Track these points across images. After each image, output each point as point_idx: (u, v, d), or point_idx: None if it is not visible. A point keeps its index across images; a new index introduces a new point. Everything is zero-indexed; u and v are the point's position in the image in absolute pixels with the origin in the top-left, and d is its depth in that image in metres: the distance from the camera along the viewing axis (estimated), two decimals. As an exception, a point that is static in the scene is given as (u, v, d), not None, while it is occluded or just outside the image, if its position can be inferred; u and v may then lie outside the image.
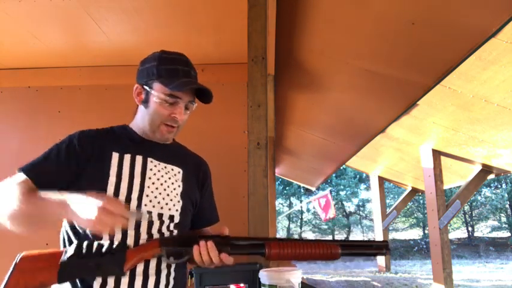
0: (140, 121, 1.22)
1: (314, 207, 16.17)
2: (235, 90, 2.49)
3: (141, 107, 1.21)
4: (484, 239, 16.98)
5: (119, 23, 2.22)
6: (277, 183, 16.90)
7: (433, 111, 4.48)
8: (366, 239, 18.46)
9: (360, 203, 19.52)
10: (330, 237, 18.53)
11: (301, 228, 19.69)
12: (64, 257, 0.97)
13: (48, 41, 2.37)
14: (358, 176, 18.58)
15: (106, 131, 1.21)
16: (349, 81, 3.97)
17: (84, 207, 0.94)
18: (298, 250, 1.04)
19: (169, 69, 1.16)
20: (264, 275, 1.11)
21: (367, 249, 1.09)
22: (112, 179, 1.10)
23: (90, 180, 1.09)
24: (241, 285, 1.72)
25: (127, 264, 0.98)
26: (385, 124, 4.95)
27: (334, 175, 17.35)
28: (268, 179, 1.82)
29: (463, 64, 3.06)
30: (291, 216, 19.61)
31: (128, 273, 1.03)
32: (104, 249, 0.99)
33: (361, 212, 19.56)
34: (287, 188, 19.23)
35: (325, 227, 18.94)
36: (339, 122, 5.44)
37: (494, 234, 17.44)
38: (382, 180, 9.68)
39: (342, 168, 15.35)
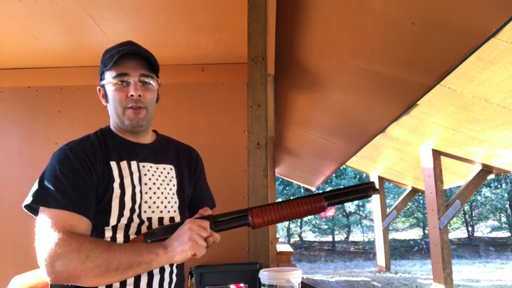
0: (112, 120, 1.18)
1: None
2: (235, 90, 2.49)
3: (108, 106, 1.17)
4: (484, 239, 16.98)
5: (119, 23, 2.22)
6: (277, 183, 16.90)
7: (433, 111, 4.48)
8: (366, 239, 18.45)
9: (360, 203, 19.50)
10: (330, 238, 18.53)
11: (301, 228, 19.68)
12: None
13: (48, 41, 2.37)
14: (358, 176, 18.58)
15: (97, 137, 1.14)
16: (349, 81, 3.97)
17: (176, 239, 0.95)
18: (282, 212, 1.03)
19: (111, 54, 1.11)
20: (264, 275, 1.11)
21: (353, 194, 1.06)
22: (117, 191, 1.06)
23: (101, 196, 1.05)
24: (241, 285, 1.72)
25: None
26: (385, 124, 4.95)
27: (334, 175, 17.34)
28: (268, 179, 1.82)
29: (463, 64, 3.06)
30: (291, 216, 19.58)
31: None
32: None
33: (361, 212, 19.55)
34: (287, 188, 19.23)
35: (325, 227, 18.93)
36: (339, 122, 5.44)
37: (494, 234, 17.45)
38: (382, 180, 9.69)
39: (342, 168, 15.35)
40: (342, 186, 1.09)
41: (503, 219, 17.91)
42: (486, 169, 6.05)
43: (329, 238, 18.68)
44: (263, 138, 1.84)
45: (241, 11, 2.04)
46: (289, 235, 19.32)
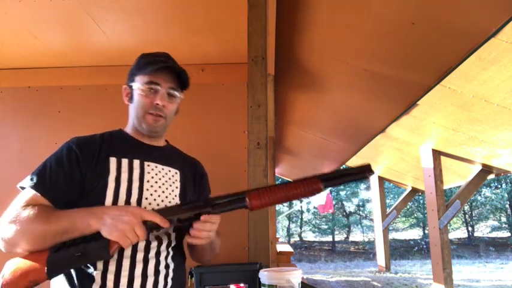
0: (130, 119, 1.25)
1: (315, 207, 16.19)
2: (235, 90, 2.49)
3: (129, 106, 1.24)
4: (484, 239, 16.98)
5: (119, 23, 2.22)
6: (277, 183, 16.88)
7: (433, 111, 4.48)
8: (366, 239, 18.45)
9: (360, 203, 19.51)
10: (330, 238, 18.53)
11: (301, 228, 19.68)
12: (50, 253, 0.97)
13: (48, 41, 2.37)
14: (358, 176, 18.55)
15: (101, 136, 1.21)
16: (349, 81, 3.97)
17: (113, 218, 0.96)
18: (279, 194, 1.04)
19: (148, 61, 1.20)
20: (264, 275, 1.11)
21: (349, 176, 1.07)
22: (111, 184, 1.10)
23: (90, 187, 1.09)
24: (241, 285, 1.72)
25: (112, 247, 0.97)
26: (385, 124, 4.95)
27: (334, 175, 17.30)
28: (268, 179, 1.82)
29: (463, 64, 3.06)
30: (291, 216, 19.61)
31: (119, 261, 1.05)
32: (87, 237, 0.98)
33: (361, 212, 19.55)
34: (287, 188, 19.23)
35: (325, 227, 18.93)
36: (339, 122, 5.44)
37: (494, 234, 17.44)
38: (382, 180, 9.68)
39: (342, 168, 15.34)
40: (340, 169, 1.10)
41: (503, 219, 17.91)
42: (486, 169, 6.05)
43: (329, 238, 18.68)
44: (263, 138, 1.84)
45: (241, 11, 2.04)
46: (289, 235, 19.33)
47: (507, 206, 17.62)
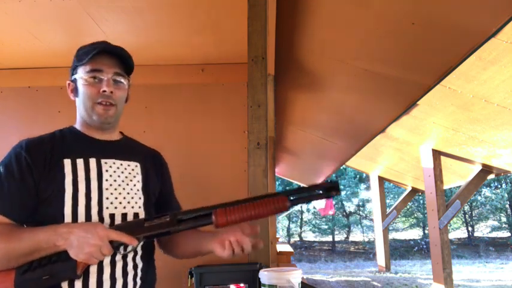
0: (79, 115, 1.19)
1: (314, 207, 16.17)
2: (235, 90, 2.49)
3: (76, 100, 1.18)
4: (484, 239, 16.97)
5: (119, 23, 2.22)
6: (277, 183, 16.90)
7: (433, 111, 4.49)
8: (366, 239, 18.45)
9: (360, 203, 19.49)
10: (330, 238, 18.52)
11: (301, 228, 19.68)
12: (17, 275, 0.95)
13: (48, 41, 2.37)
14: (358, 176, 18.57)
15: (52, 136, 1.16)
16: (349, 81, 3.97)
17: (79, 239, 0.94)
18: (246, 212, 1.03)
19: (86, 50, 1.14)
20: (264, 275, 1.11)
21: (315, 195, 1.06)
22: (68, 189, 1.05)
23: (47, 195, 1.04)
24: (241, 285, 1.72)
25: (79, 267, 0.97)
26: (385, 124, 4.95)
27: (334, 175, 17.32)
28: (268, 179, 1.82)
29: (463, 64, 3.06)
30: (291, 216, 19.60)
31: (87, 276, 1.03)
32: (52, 258, 0.97)
33: (361, 212, 19.54)
34: (287, 188, 19.23)
35: (325, 227, 18.92)
36: (339, 122, 5.44)
37: (494, 234, 17.43)
38: (382, 180, 9.68)
39: (342, 168, 15.35)
40: (307, 186, 1.10)
41: (503, 219, 17.89)
42: (486, 169, 6.05)
43: (329, 238, 18.67)
44: (263, 138, 1.84)
45: (241, 11, 2.03)
46: (289, 235, 19.32)
47: (507, 206, 17.61)
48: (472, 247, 16.10)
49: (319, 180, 10.03)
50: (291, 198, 1.05)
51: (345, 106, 4.76)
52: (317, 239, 19.06)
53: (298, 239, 19.26)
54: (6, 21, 2.15)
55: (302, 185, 13.77)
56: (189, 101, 2.53)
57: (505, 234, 17.37)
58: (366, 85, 3.94)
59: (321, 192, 1.05)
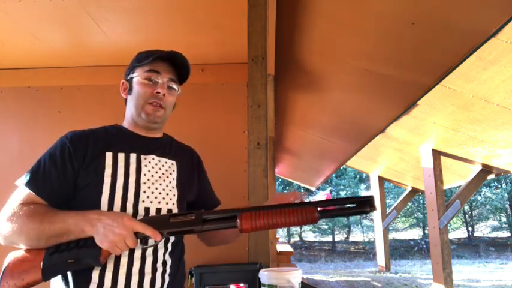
0: (128, 112, 1.24)
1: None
2: (235, 90, 2.49)
3: (128, 98, 1.25)
4: (484, 239, 16.98)
5: (119, 23, 2.22)
6: (277, 183, 16.90)
7: (433, 111, 4.49)
8: (366, 239, 18.45)
9: (360, 203, 19.48)
10: (330, 238, 18.52)
11: (301, 228, 19.68)
12: (46, 256, 0.98)
13: (48, 41, 2.37)
14: (358, 176, 18.58)
15: (98, 130, 1.21)
16: (349, 81, 3.97)
17: (105, 227, 0.97)
18: (272, 220, 1.00)
19: (147, 54, 1.21)
20: (264, 275, 1.11)
21: (348, 209, 1.02)
22: (107, 180, 1.09)
23: (86, 184, 1.09)
24: (241, 285, 1.72)
25: (103, 255, 0.98)
26: (385, 124, 4.95)
27: (334, 175, 17.34)
28: (268, 179, 1.82)
29: (463, 64, 3.06)
30: (291, 216, 19.59)
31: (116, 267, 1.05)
32: (80, 243, 0.99)
33: (361, 212, 19.54)
34: (287, 188, 19.23)
35: (325, 227, 18.93)
36: (339, 122, 5.44)
37: (494, 234, 17.44)
38: (382, 180, 9.68)
39: (342, 168, 15.36)
40: (339, 197, 1.06)
41: (503, 219, 17.90)
42: (486, 169, 6.05)
43: (329, 238, 18.68)
44: (263, 138, 1.84)
45: (241, 11, 2.03)
46: (289, 235, 19.33)
47: (507, 206, 17.62)
48: (472, 247, 16.10)
49: (319, 180, 10.03)
50: (321, 211, 1.02)
51: (345, 106, 4.76)
52: (317, 239, 19.07)
53: (298, 239, 19.27)
54: (6, 21, 2.15)
55: (302, 185, 13.77)
56: (189, 101, 2.53)
57: (505, 234, 17.37)
58: (366, 85, 3.94)
59: (353, 208, 1.01)
